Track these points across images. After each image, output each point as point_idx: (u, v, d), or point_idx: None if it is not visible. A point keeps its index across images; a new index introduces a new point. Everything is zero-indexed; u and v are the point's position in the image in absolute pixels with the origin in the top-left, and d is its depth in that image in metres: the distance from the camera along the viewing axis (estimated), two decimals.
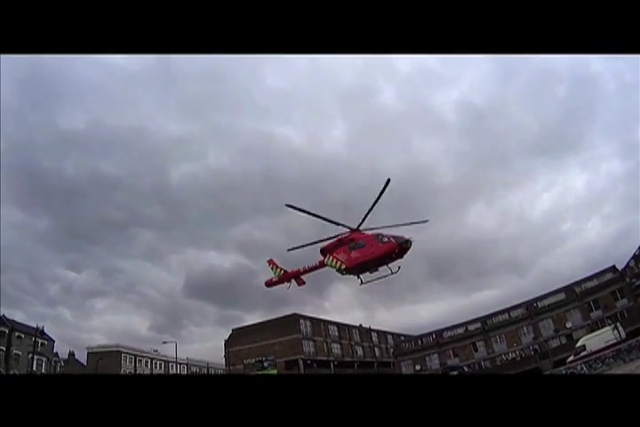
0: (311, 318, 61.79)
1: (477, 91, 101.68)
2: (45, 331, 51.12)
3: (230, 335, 62.51)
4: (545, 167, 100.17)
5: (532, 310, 52.38)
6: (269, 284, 24.12)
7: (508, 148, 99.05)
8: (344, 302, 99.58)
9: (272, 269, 24.12)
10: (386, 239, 20.56)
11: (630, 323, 38.92)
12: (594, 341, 34.97)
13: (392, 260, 20.53)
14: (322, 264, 22.27)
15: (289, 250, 21.58)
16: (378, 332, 72.61)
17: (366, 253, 20.53)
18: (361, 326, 69.33)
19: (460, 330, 58.05)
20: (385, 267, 21.07)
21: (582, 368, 29.56)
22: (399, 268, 20.58)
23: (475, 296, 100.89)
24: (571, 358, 35.34)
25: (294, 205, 20.22)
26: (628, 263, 45.81)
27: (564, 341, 47.48)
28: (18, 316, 50.25)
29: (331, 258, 21.57)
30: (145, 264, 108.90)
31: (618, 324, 36.42)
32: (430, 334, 61.28)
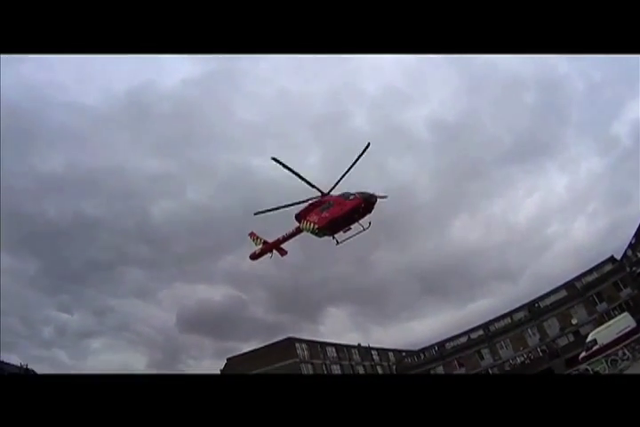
0: (307, 341, 60.82)
1: (447, 107, 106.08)
2: (37, 371, 48.25)
3: (225, 365, 60.64)
4: (524, 174, 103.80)
5: (534, 310, 52.15)
6: (253, 257, 25.57)
7: (485, 159, 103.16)
8: (339, 325, 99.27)
9: (253, 240, 25.82)
10: (352, 196, 22.02)
11: (638, 311, 38.18)
12: (604, 333, 34.79)
13: (361, 215, 21.97)
14: (298, 230, 23.93)
15: (256, 213, 23.33)
16: (378, 350, 71.00)
17: (335, 211, 22.15)
18: (360, 345, 67.74)
19: (463, 339, 57.54)
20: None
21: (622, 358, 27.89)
22: (370, 223, 22.18)
23: (470, 307, 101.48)
24: (583, 353, 34.99)
25: (261, 210, 23.03)
26: (625, 252, 46.38)
27: (572, 338, 47.18)
28: (14, 359, 48.32)
29: (305, 222, 23.31)
30: (136, 302, 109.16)
31: (626, 313, 35.48)
32: (432, 346, 60.64)
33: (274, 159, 21.41)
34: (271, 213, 23.32)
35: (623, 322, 34.30)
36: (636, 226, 43.17)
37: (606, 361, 28.21)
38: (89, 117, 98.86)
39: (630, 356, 27.06)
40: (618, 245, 48.85)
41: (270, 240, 25.36)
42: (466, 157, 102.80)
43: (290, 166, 21.90)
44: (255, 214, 23.33)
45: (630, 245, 45.11)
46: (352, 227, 22.42)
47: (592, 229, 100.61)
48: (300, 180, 22.18)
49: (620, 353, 28.09)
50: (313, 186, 22.64)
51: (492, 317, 56.45)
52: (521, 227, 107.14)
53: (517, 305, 55.01)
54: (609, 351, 29.99)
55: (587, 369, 29.25)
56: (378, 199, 21.88)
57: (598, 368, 27.98)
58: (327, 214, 22.40)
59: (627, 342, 29.90)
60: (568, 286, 50.40)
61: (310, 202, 23.30)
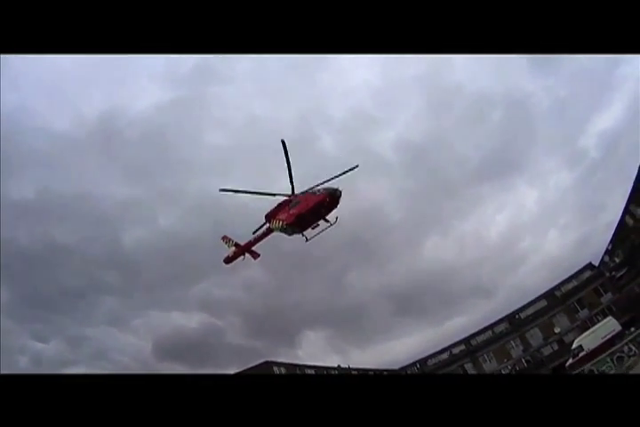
0: (285, 364, 59.38)
1: (414, 128, 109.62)
2: None
3: None
4: (494, 191, 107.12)
5: (515, 322, 52.46)
6: (227, 260, 26.35)
7: (454, 178, 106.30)
8: (317, 348, 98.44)
9: (226, 243, 26.67)
10: (317, 192, 22.96)
11: (622, 313, 39.05)
12: (589, 339, 35.18)
13: (328, 210, 22.80)
14: (269, 230, 24.88)
15: (221, 190, 24.12)
16: (358, 370, 69.04)
17: (302, 207, 22.91)
18: (339, 366, 66.18)
19: (445, 355, 57.56)
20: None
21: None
22: (337, 218, 23.05)
23: (448, 324, 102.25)
24: (570, 361, 34.52)
25: (227, 188, 23.90)
26: (602, 258, 47.79)
27: (556, 347, 47.60)
28: None
29: (274, 221, 24.12)
30: (110, 330, 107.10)
31: (610, 317, 35.41)
32: (414, 364, 60.39)
33: (222, 190, 23.72)
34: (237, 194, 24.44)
35: (608, 326, 34.35)
36: (610, 234, 44.09)
37: (611, 359, 27.31)
38: (59, 143, 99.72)
39: (637, 351, 26.14)
40: (592, 254, 49.92)
41: (242, 243, 26.32)
42: (435, 177, 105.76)
43: (241, 189, 23.98)
44: (220, 191, 24.23)
45: (607, 251, 45.94)
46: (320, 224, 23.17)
47: (565, 241, 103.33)
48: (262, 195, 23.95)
49: (625, 349, 27.22)
50: (277, 194, 24.22)
51: (469, 333, 56.38)
52: (494, 243, 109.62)
53: (496, 319, 54.99)
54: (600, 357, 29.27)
55: (592, 370, 28.36)
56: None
57: (604, 367, 27.13)
58: (295, 211, 23.30)
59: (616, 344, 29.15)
60: (548, 295, 50.99)
61: (279, 202, 24.39)
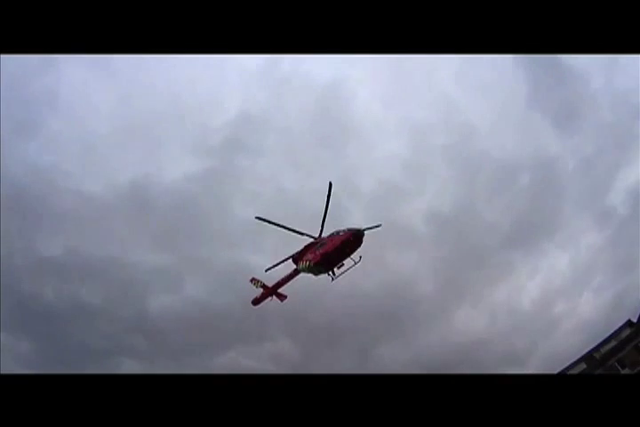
0: None
1: (442, 198, 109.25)
2: None
3: None
4: (524, 257, 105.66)
5: None
6: (255, 302, 27.92)
7: (483, 246, 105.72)
8: None
9: (254, 284, 28.20)
10: (342, 232, 24.56)
11: None
12: None
13: (352, 249, 24.35)
14: (295, 272, 26.68)
15: (257, 218, 25.79)
16: None
17: (328, 247, 24.43)
18: None
19: None
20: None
21: None
22: (360, 257, 24.48)
23: None
24: None
25: (264, 217, 25.51)
26: None
27: None
28: None
29: (301, 262, 25.67)
30: None
31: None
32: None
33: (258, 218, 25.32)
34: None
35: None
36: None
37: None
38: (91, 205, 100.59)
39: None
40: (630, 311, 47.63)
41: (270, 285, 28.11)
42: (465, 246, 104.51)
43: (275, 222, 25.37)
44: (256, 218, 25.93)
45: None
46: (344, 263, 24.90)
47: (600, 301, 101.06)
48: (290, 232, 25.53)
49: None
50: (303, 234, 25.89)
51: None
52: (526, 310, 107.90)
53: None
54: None
55: None
56: (365, 232, 24.53)
57: None
58: (321, 250, 24.95)
59: None
60: (586, 358, 47.26)
61: (305, 245, 26.24)
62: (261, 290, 28.04)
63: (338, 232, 24.85)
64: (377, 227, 24.97)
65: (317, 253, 24.93)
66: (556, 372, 49.60)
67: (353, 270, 24.22)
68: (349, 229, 24.55)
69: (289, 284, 27.23)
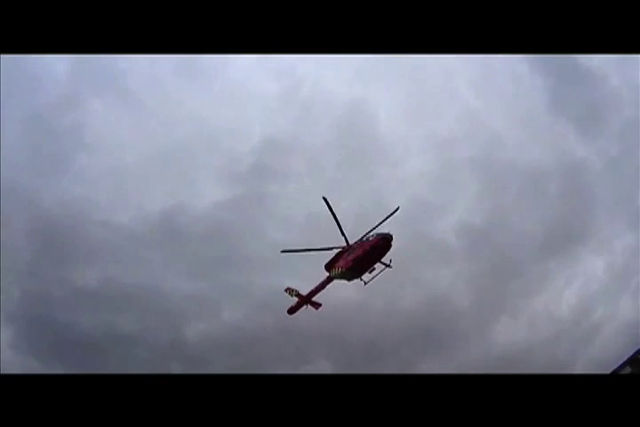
0: None
1: (473, 211, 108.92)
2: None
3: None
4: (559, 265, 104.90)
5: None
6: (291, 311, 29.09)
7: (518, 257, 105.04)
8: None
9: (289, 293, 29.24)
10: (371, 238, 25.35)
11: None
12: None
13: (381, 254, 25.24)
14: (328, 279, 27.70)
15: (283, 251, 27.48)
16: None
17: (358, 252, 25.28)
18: None
19: None
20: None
21: None
22: (390, 260, 25.49)
23: None
24: None
25: (289, 249, 27.25)
26: None
27: None
28: None
29: (333, 269, 26.68)
30: None
31: None
32: None
33: (284, 251, 26.93)
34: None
35: None
36: None
37: None
38: (123, 235, 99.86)
39: None
40: None
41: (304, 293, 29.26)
42: (499, 257, 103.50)
43: (301, 249, 26.93)
44: (282, 252, 27.54)
45: None
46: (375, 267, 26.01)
47: (639, 304, 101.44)
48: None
49: None
50: (332, 248, 26.98)
51: None
52: (565, 318, 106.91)
53: None
54: None
55: None
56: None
57: None
58: (352, 256, 25.92)
59: None
60: (631, 361, 47.91)
61: (337, 252, 27.41)
62: (296, 299, 28.91)
63: (367, 238, 25.71)
64: (395, 212, 25.79)
65: (348, 259, 25.94)
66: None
67: (390, 291, 25.51)
68: (378, 234, 25.34)
69: (322, 292, 28.39)
